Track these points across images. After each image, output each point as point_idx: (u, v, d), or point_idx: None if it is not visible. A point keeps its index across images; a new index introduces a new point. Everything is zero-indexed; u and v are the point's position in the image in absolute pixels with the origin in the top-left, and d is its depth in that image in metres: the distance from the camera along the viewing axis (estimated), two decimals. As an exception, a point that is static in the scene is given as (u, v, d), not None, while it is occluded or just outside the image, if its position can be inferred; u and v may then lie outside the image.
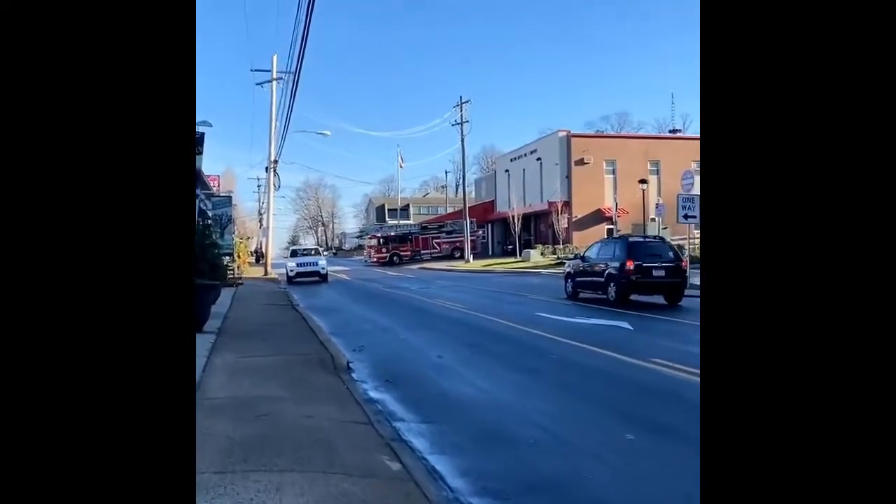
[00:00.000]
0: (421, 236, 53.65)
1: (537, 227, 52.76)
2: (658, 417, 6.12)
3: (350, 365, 9.08)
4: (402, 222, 74.39)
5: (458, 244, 52.40)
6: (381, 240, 53.03)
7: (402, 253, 51.75)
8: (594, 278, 17.60)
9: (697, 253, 28.90)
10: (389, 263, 50.14)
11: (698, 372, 7.51)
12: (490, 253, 57.66)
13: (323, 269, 30.13)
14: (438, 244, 52.88)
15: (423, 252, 52.25)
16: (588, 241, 44.07)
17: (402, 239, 53.18)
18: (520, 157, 55.80)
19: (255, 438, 5.11)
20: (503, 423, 6.04)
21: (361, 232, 64.64)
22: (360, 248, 54.45)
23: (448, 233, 53.97)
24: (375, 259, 51.27)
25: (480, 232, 53.64)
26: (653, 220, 40.94)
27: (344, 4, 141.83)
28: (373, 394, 7.51)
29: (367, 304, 18.75)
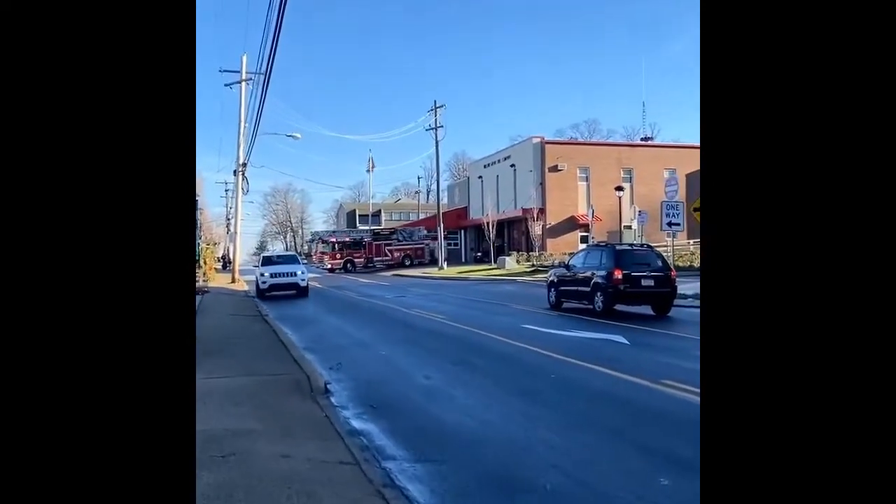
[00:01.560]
0: (374, 243, 51.59)
1: (511, 234, 52.18)
2: (683, 453, 5.36)
3: (328, 387, 8.20)
4: (358, 228, 73.23)
5: (409, 252, 51.54)
6: (336, 245, 50.38)
7: (355, 259, 49.95)
8: (580, 287, 16.91)
9: (679, 262, 28.47)
10: (343, 270, 48.35)
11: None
12: (463, 260, 56.93)
13: (303, 280, 24.44)
14: (390, 251, 51.27)
15: (375, 259, 50.56)
16: (562, 249, 43.97)
17: (357, 245, 51.18)
18: (493, 163, 55.21)
19: (220, 490, 4.23)
20: (511, 461, 5.24)
21: (313, 236, 58.99)
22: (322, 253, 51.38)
23: (399, 240, 52.54)
24: (330, 266, 48.51)
25: (444, 241, 51.61)
26: (627, 227, 40.69)
27: (318, 7, 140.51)
28: (356, 423, 6.66)
29: (341, 315, 17.81)
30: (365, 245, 51.09)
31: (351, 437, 6.13)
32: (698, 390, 7.54)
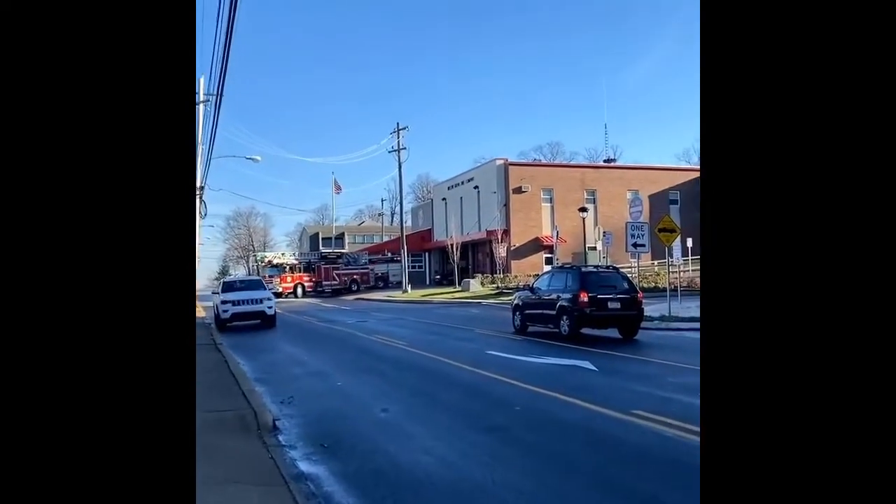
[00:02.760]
0: (323, 267, 50.23)
1: (475, 256, 51.82)
2: (668, 499, 4.87)
3: (277, 423, 7.54)
4: (306, 251, 71.67)
5: (354, 276, 50.34)
6: (287, 268, 48.96)
7: (305, 283, 48.67)
8: (545, 311, 16.47)
9: (644, 283, 28.34)
10: (293, 294, 46.97)
11: (687, 427, 6.30)
12: (427, 282, 56.35)
13: (270, 308, 21.52)
14: (338, 276, 49.85)
15: (324, 283, 49.11)
16: (527, 270, 43.69)
17: (308, 268, 50.02)
18: (457, 184, 54.94)
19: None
20: (475, 512, 4.68)
21: (260, 259, 55.66)
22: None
23: (346, 264, 51.39)
24: (281, 289, 46.13)
25: (408, 264, 50.38)
26: (591, 248, 40.64)
27: (275, 29, 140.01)
28: (304, 465, 6.04)
29: (299, 342, 17.05)
30: (314, 269, 49.99)
31: (297, 483, 5.52)
32: (673, 422, 7.14)
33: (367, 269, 52.16)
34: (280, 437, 7.05)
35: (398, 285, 48.31)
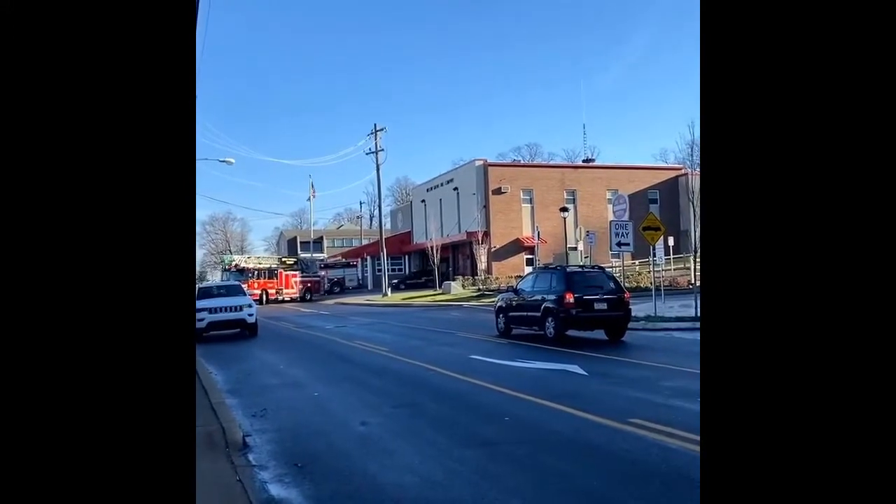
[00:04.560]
0: (285, 273, 46.96)
1: (456, 258, 51.34)
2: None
3: (247, 440, 6.96)
4: (264, 255, 68.91)
5: (309, 284, 47.87)
6: (253, 273, 45.08)
7: (269, 289, 45.11)
8: (530, 313, 16.01)
9: (627, 283, 28.06)
10: (259, 302, 41.49)
11: (689, 437, 5.81)
12: (402, 286, 55.78)
13: (251, 316, 19.96)
14: (295, 283, 47.07)
15: (284, 290, 46.31)
16: (508, 272, 43.30)
17: (271, 274, 46.52)
18: (436, 186, 54.42)
19: None
20: (466, 543, 4.15)
21: (226, 263, 50.05)
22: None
23: (302, 271, 48.92)
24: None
25: (388, 267, 48.53)
26: (573, 248, 40.32)
27: (252, 29, 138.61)
28: (275, 489, 5.48)
29: (275, 349, 16.40)
30: (277, 275, 46.74)
31: (267, 511, 4.97)
32: (671, 430, 6.64)
33: (318, 276, 49.92)
34: (250, 456, 6.48)
35: (355, 291, 46.94)
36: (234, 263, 48.09)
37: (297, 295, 46.93)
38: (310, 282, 48.67)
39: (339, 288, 51.57)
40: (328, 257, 63.34)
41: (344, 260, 57.57)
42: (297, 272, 48.58)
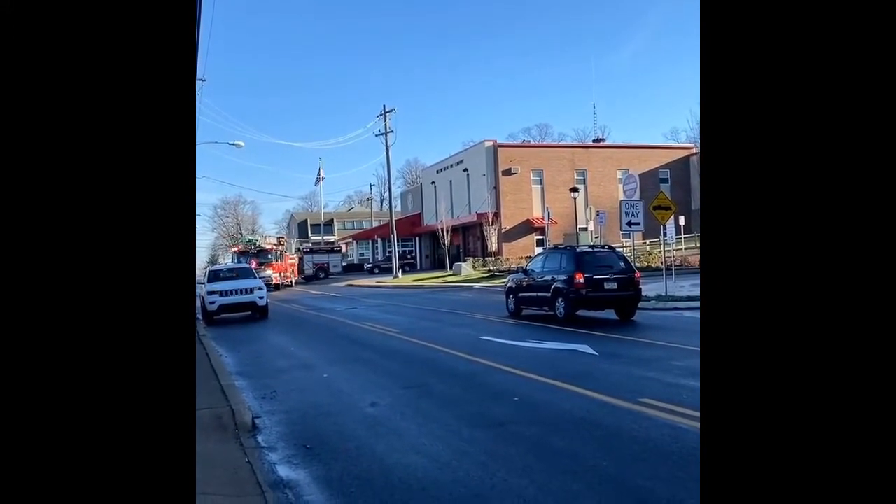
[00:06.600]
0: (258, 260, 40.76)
1: (466, 240, 51.22)
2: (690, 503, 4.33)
3: (256, 422, 6.98)
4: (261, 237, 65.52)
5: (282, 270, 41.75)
6: (257, 259, 40.40)
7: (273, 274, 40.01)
8: (539, 293, 15.93)
9: (637, 263, 27.90)
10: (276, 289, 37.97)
11: (697, 415, 5.72)
12: (419, 267, 55.75)
13: (262, 298, 19.92)
14: (275, 268, 40.61)
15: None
16: (518, 253, 43.11)
17: (278, 258, 41.88)
18: (446, 168, 54.17)
19: None
20: (475, 524, 4.12)
21: (245, 242, 46.38)
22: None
23: (277, 258, 41.97)
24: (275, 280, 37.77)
25: (398, 249, 46.76)
26: (583, 228, 40.10)
27: (258, 12, 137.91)
28: (283, 470, 5.48)
29: (285, 332, 16.44)
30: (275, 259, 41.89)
31: (275, 492, 4.98)
32: (683, 410, 6.56)
33: (292, 264, 45.80)
34: (259, 438, 6.49)
35: (338, 277, 45.62)
36: (235, 249, 44.86)
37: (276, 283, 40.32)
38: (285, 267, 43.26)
39: (323, 274, 49.91)
40: (338, 239, 62.71)
41: (325, 245, 56.35)
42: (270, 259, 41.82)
